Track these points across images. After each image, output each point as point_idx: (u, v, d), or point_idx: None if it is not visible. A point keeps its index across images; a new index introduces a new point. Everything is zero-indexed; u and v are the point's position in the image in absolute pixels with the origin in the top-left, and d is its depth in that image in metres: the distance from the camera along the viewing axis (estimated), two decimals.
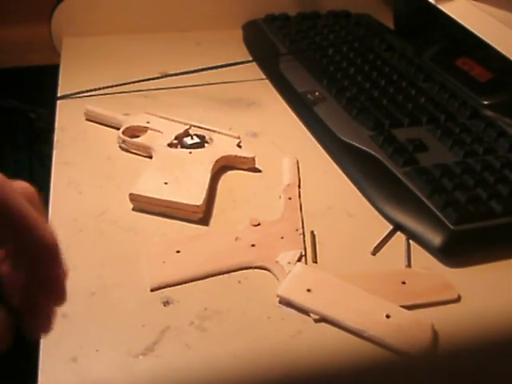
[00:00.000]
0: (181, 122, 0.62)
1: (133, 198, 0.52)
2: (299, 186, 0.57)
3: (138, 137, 0.61)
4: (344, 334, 0.42)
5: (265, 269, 0.47)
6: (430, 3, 0.65)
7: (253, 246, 0.49)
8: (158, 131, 0.61)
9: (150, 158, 0.59)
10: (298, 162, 0.60)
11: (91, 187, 0.56)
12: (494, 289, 0.47)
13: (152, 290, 0.45)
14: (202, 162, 0.57)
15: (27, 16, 0.84)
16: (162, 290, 0.45)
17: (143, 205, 0.52)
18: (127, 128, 0.62)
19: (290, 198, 0.55)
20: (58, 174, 0.57)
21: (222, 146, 0.60)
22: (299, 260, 0.48)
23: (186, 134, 0.61)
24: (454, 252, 0.50)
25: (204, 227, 0.52)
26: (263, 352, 0.41)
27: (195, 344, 0.41)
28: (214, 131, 0.62)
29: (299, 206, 0.54)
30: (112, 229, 0.51)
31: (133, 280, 0.46)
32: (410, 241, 0.51)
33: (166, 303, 0.44)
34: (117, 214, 0.52)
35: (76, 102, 0.70)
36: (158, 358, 0.40)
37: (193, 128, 0.62)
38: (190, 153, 0.58)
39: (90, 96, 0.70)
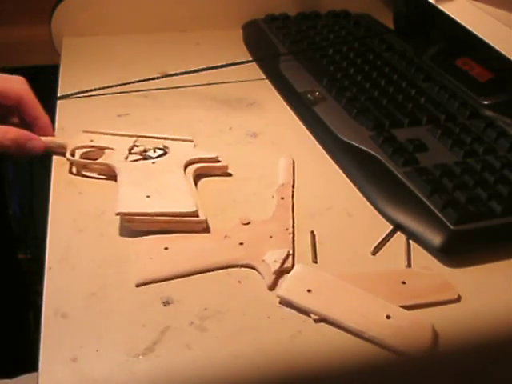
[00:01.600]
0: (125, 135, 0.60)
1: (126, 218, 0.50)
2: (293, 186, 0.57)
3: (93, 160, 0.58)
4: (344, 335, 0.42)
5: (251, 267, 0.47)
6: (429, 3, 0.65)
7: (241, 244, 0.49)
8: (111, 148, 0.58)
9: (108, 179, 0.56)
10: (294, 163, 0.60)
11: (91, 187, 0.56)
12: (494, 289, 0.47)
13: (137, 286, 0.45)
14: (171, 170, 0.55)
15: (27, 16, 0.84)
16: (162, 291, 0.45)
17: (139, 224, 0.50)
18: (76, 150, 0.58)
19: (282, 198, 0.55)
20: (57, 174, 0.57)
21: (182, 151, 0.58)
22: (286, 259, 0.48)
23: (142, 147, 0.58)
24: (454, 252, 0.49)
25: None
26: (263, 352, 0.41)
27: (195, 344, 0.41)
28: (166, 138, 0.60)
29: (291, 206, 0.54)
30: (112, 229, 0.51)
31: (133, 280, 0.46)
32: (410, 241, 0.51)
33: (166, 303, 0.44)
34: None
35: (76, 101, 0.70)
36: (157, 358, 0.40)
37: (140, 139, 0.59)
38: (154, 163, 0.56)
39: (90, 96, 0.70)
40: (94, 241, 0.50)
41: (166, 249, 0.48)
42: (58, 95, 0.70)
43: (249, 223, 0.51)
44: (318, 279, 0.46)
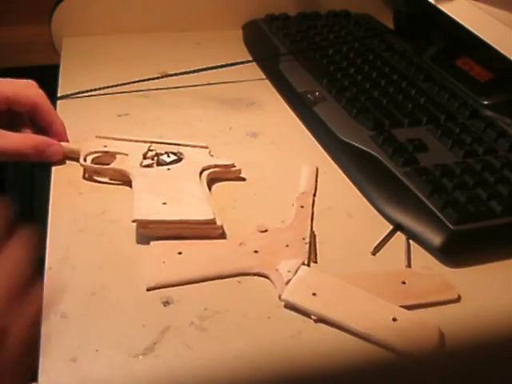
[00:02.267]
0: (139, 141, 0.59)
1: (142, 225, 0.49)
2: (314, 195, 0.56)
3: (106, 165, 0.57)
4: (344, 335, 0.42)
5: (263, 276, 0.47)
6: (429, 3, 0.65)
7: (256, 252, 0.48)
8: (124, 154, 0.57)
9: (122, 185, 0.56)
10: (317, 170, 0.59)
11: (91, 187, 0.56)
12: (494, 289, 0.47)
13: (148, 290, 0.45)
14: (187, 177, 0.54)
15: (27, 16, 0.84)
16: (162, 290, 0.45)
17: (154, 230, 0.49)
18: (89, 155, 0.57)
19: (302, 207, 0.54)
20: (57, 174, 0.57)
21: (198, 158, 0.57)
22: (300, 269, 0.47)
23: (154, 152, 0.58)
24: (454, 252, 0.49)
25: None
26: (263, 352, 0.41)
27: (195, 344, 0.41)
28: (180, 145, 0.59)
29: (311, 215, 0.53)
30: (112, 229, 0.51)
31: (133, 280, 0.46)
32: (410, 241, 0.51)
33: (166, 303, 0.44)
34: (117, 214, 0.52)
35: (76, 101, 0.70)
36: (157, 358, 0.40)
37: (154, 145, 0.59)
38: (169, 169, 0.56)
39: (90, 96, 0.70)
40: (94, 241, 0.50)
41: (179, 253, 0.48)
42: (58, 95, 0.70)
43: (266, 231, 0.51)
44: (322, 282, 0.45)
